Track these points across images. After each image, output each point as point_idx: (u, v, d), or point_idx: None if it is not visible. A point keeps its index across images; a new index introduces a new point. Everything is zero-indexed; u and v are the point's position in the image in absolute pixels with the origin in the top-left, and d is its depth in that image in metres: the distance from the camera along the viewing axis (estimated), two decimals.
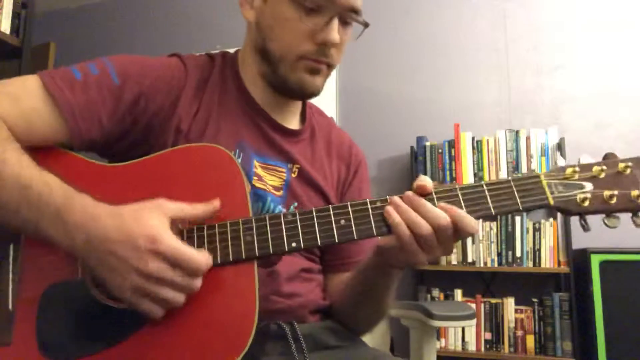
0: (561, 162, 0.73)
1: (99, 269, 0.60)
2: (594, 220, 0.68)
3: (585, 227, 0.68)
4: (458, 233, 0.64)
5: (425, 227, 0.63)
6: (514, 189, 0.67)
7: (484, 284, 2.64)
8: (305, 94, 0.84)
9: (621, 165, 0.67)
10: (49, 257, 0.66)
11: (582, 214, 0.67)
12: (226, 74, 0.86)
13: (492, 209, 0.66)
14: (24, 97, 0.70)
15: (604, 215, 0.67)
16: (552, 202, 0.66)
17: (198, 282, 0.61)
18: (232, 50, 0.91)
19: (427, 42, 3.01)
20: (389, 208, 0.65)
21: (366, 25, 0.83)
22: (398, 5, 3.07)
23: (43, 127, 0.70)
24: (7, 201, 0.62)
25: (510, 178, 0.67)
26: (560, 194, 0.67)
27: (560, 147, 2.55)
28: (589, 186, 0.67)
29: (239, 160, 0.80)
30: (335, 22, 0.78)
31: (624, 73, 2.67)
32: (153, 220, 0.59)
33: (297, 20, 0.77)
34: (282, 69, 0.81)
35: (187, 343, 0.61)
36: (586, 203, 0.66)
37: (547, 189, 0.67)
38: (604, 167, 0.67)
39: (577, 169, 0.68)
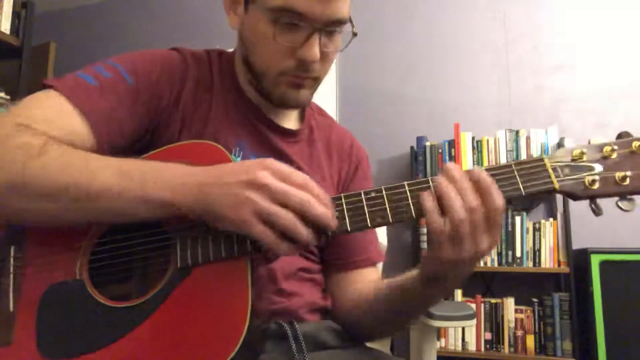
0: (570, 144, 0.69)
1: (215, 205, 0.60)
2: (595, 220, 0.65)
3: (597, 212, 0.63)
4: (487, 214, 0.59)
5: (458, 201, 0.59)
6: (516, 173, 0.62)
7: (484, 284, 2.64)
8: (289, 107, 0.83)
9: (636, 144, 0.62)
10: (50, 258, 0.66)
11: (592, 197, 0.62)
12: (223, 72, 0.86)
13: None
14: (55, 116, 0.68)
15: (617, 199, 0.62)
16: (557, 186, 0.62)
17: (309, 197, 0.60)
18: (230, 50, 0.91)
19: (427, 42, 3.01)
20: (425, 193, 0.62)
21: (354, 34, 0.79)
22: (398, 5, 3.07)
23: (78, 140, 0.69)
24: (108, 187, 0.61)
25: (512, 162, 0.63)
26: (567, 177, 0.62)
27: (560, 147, 2.55)
28: (598, 167, 0.62)
29: (239, 159, 0.80)
30: (315, 39, 0.74)
31: (624, 73, 2.67)
32: (257, 159, 0.63)
33: (272, 38, 0.74)
34: (264, 84, 0.79)
35: (182, 340, 0.61)
36: (595, 185, 0.61)
37: (551, 172, 0.62)
38: (616, 147, 0.62)
39: (584, 150, 0.63)
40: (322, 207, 0.60)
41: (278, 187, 0.59)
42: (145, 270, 0.68)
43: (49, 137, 0.65)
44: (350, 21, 0.78)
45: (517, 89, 2.83)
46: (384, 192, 0.63)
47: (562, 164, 0.63)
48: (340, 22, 0.76)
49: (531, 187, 0.62)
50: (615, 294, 2.19)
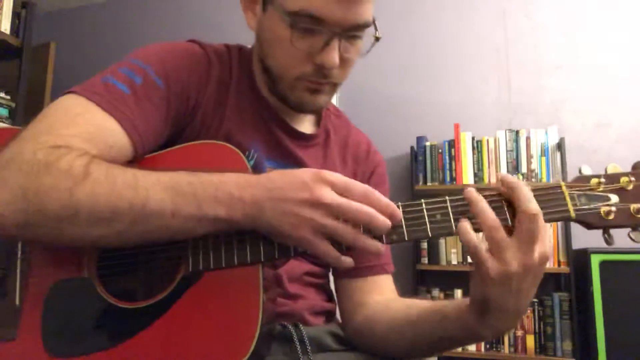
0: (586, 171, 0.68)
1: (272, 221, 0.59)
2: None
3: (609, 241, 0.63)
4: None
5: (491, 214, 0.58)
6: None
7: None
8: (305, 111, 0.81)
9: None
10: (57, 254, 0.66)
11: (607, 227, 0.62)
12: (242, 71, 0.83)
13: (508, 220, 0.60)
14: (95, 132, 0.65)
15: (629, 230, 0.62)
16: (573, 215, 0.61)
17: (370, 213, 0.58)
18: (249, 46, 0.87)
19: (427, 42, 3.01)
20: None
21: (377, 39, 0.75)
22: (398, 5, 3.07)
23: (119, 154, 0.67)
24: (161, 206, 0.59)
25: (529, 187, 0.62)
26: (583, 206, 0.62)
27: (560, 147, 2.55)
28: (614, 198, 0.62)
29: (252, 161, 0.78)
30: (334, 45, 0.70)
31: (624, 73, 2.67)
32: (311, 169, 0.61)
33: (290, 42, 0.71)
34: (281, 87, 0.77)
35: (191, 345, 0.61)
36: (611, 216, 0.61)
37: (569, 201, 0.62)
38: (632, 179, 0.62)
39: (602, 179, 0.63)
40: (382, 222, 0.59)
41: (339, 205, 0.58)
42: (154, 272, 0.67)
43: (91, 156, 0.61)
44: (374, 24, 0.74)
45: (517, 89, 2.83)
46: (424, 205, 0.63)
47: (580, 192, 0.63)
48: (362, 27, 0.73)
49: (547, 215, 0.61)
50: (615, 294, 2.19)
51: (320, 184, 0.58)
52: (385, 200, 0.60)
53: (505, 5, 2.91)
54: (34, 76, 2.66)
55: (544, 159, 2.56)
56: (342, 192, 0.59)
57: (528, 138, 2.59)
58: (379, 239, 0.61)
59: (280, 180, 0.60)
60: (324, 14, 0.69)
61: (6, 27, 2.40)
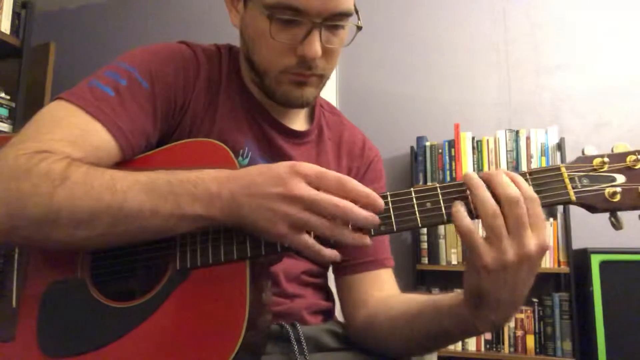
0: (590, 151, 0.60)
1: (250, 217, 0.59)
2: (595, 220, 0.62)
3: (617, 226, 0.59)
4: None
5: (489, 199, 0.56)
6: (530, 183, 0.58)
7: None
8: (293, 106, 0.80)
9: None
10: (53, 255, 0.67)
11: (612, 210, 0.58)
12: (231, 70, 0.83)
13: None
14: (79, 136, 0.65)
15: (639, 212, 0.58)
16: (574, 197, 0.58)
17: (345, 204, 0.57)
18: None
19: (427, 41, 3.01)
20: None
21: (359, 28, 0.75)
22: (398, 5, 3.07)
23: (105, 156, 0.67)
24: (139, 207, 0.59)
25: (526, 171, 0.59)
26: (585, 188, 0.58)
27: (560, 147, 2.55)
28: (620, 178, 0.58)
29: (247, 159, 0.78)
30: (315, 35, 0.70)
31: (624, 73, 2.67)
32: (287, 162, 0.60)
33: (270, 35, 0.70)
34: (267, 82, 0.77)
35: (180, 343, 0.61)
36: (617, 198, 0.57)
37: (568, 183, 0.58)
38: None
39: (606, 159, 0.58)
40: (360, 212, 0.58)
41: (312, 198, 0.57)
42: (146, 271, 0.68)
43: (71, 159, 0.62)
44: (357, 13, 0.74)
45: (517, 89, 2.83)
46: (413, 194, 0.61)
47: (581, 173, 0.59)
48: (342, 16, 0.71)
49: (545, 199, 0.58)
50: (615, 294, 2.19)
51: (295, 177, 0.58)
52: (363, 189, 0.59)
53: (505, 5, 2.91)
54: (34, 76, 2.65)
55: (544, 159, 2.56)
56: (316, 183, 0.58)
57: (528, 138, 2.59)
58: (367, 231, 0.60)
59: (257, 175, 0.59)
60: (302, 4, 0.68)
61: (6, 27, 2.40)
